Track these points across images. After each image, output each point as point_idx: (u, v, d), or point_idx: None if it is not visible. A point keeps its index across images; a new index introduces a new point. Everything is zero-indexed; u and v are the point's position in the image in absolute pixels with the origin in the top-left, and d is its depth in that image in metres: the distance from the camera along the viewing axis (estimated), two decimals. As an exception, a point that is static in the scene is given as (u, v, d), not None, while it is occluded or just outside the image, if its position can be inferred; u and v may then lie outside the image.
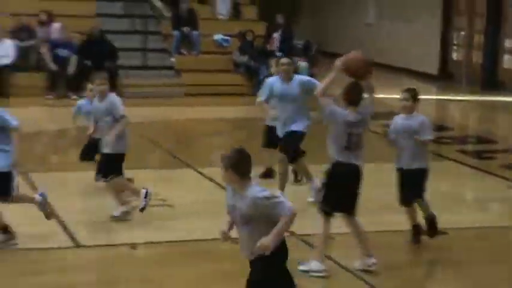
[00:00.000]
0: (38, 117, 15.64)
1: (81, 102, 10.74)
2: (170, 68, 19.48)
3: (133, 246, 8.11)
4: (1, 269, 7.64)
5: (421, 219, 8.38)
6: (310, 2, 28.07)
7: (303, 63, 19.69)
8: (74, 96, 17.48)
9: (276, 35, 20.53)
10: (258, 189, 5.33)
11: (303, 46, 21.12)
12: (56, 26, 18.34)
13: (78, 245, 8.26)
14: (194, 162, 11.92)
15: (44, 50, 17.96)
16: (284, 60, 9.78)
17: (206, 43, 20.03)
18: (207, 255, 7.98)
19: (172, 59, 19.56)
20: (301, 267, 7.33)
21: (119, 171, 8.92)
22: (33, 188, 9.33)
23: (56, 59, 17.83)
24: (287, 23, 21.33)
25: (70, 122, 10.89)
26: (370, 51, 22.82)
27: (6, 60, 17.50)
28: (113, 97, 9.05)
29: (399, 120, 8.20)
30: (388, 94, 15.59)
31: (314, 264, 7.38)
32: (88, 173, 10.12)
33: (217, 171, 11.21)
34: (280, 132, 9.70)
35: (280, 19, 21.01)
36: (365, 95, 7.48)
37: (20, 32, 18.12)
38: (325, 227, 7.42)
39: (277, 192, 5.25)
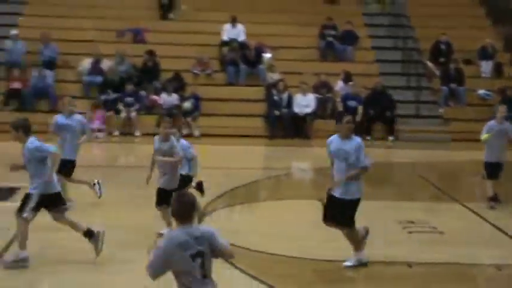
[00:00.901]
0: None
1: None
2: (439, 117, 19.62)
3: (409, 264, 8.24)
4: (292, 276, 7.72)
5: None
6: None
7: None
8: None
9: (535, 91, 19.87)
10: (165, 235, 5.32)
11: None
12: (351, 83, 19.35)
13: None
14: (460, 197, 11.93)
15: (338, 102, 18.97)
16: (347, 118, 8.10)
17: (471, 97, 20.02)
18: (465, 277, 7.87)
19: (441, 110, 19.72)
20: None
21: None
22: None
23: (346, 108, 18.72)
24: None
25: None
26: None
27: (309, 109, 18.74)
28: (174, 140, 8.91)
29: None
30: None
31: None
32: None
33: (479, 205, 11.21)
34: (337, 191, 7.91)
35: (540, 77, 20.33)
36: None
37: (320, 88, 19.31)
38: None
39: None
